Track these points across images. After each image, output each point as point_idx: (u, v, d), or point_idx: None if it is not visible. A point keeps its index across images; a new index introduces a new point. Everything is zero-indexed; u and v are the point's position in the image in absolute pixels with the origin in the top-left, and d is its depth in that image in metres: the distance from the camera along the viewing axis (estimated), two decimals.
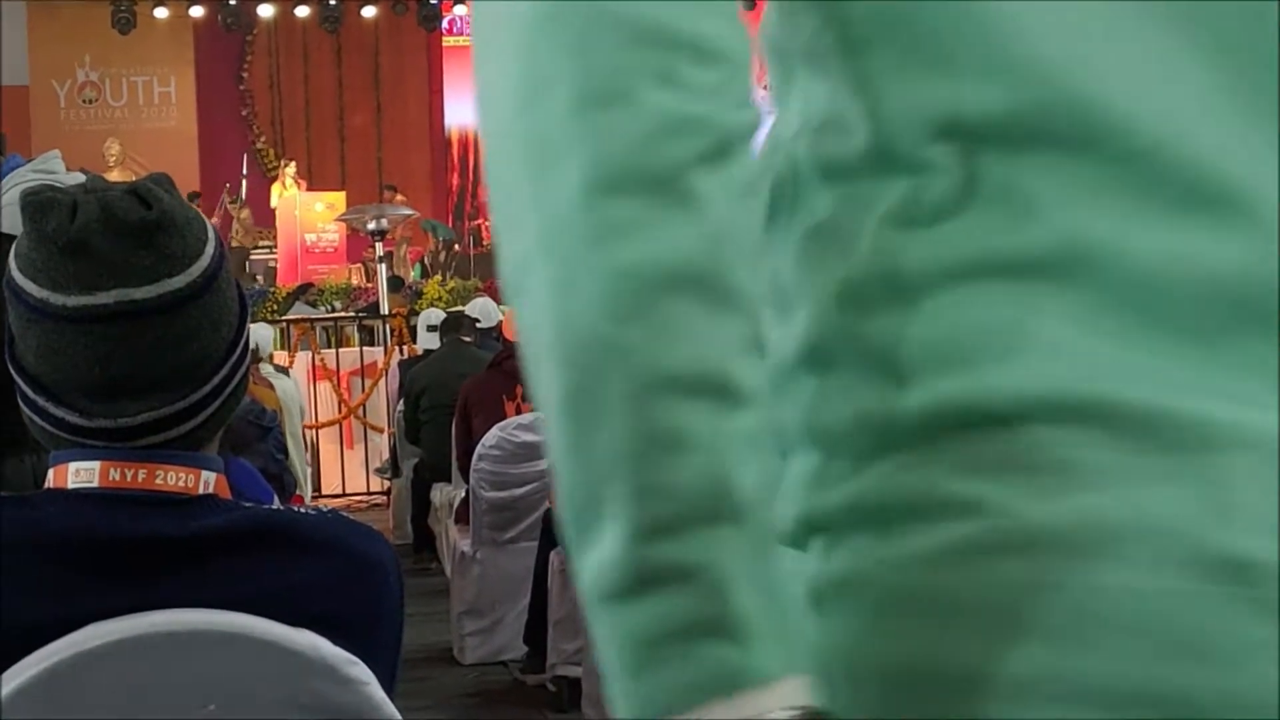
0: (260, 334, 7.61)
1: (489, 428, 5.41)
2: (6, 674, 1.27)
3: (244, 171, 15.10)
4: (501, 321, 7.80)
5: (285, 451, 5.53)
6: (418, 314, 10.03)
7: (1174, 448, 0.65)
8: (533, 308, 0.66)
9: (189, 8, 15.57)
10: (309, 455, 9.21)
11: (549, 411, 0.66)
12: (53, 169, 2.63)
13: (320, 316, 11.36)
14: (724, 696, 0.61)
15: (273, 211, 14.52)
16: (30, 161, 2.67)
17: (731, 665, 0.61)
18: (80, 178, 1.57)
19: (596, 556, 0.64)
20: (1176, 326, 0.65)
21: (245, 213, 14.81)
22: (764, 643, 0.62)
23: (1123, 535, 0.64)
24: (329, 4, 15.96)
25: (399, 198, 13.99)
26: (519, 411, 5.52)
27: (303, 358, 10.33)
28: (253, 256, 14.64)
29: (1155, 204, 0.66)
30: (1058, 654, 0.63)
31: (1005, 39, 0.67)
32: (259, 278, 13.79)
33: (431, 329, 8.39)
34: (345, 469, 10.05)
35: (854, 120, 0.70)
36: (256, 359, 7.14)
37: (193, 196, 14.35)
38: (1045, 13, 0.67)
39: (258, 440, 5.07)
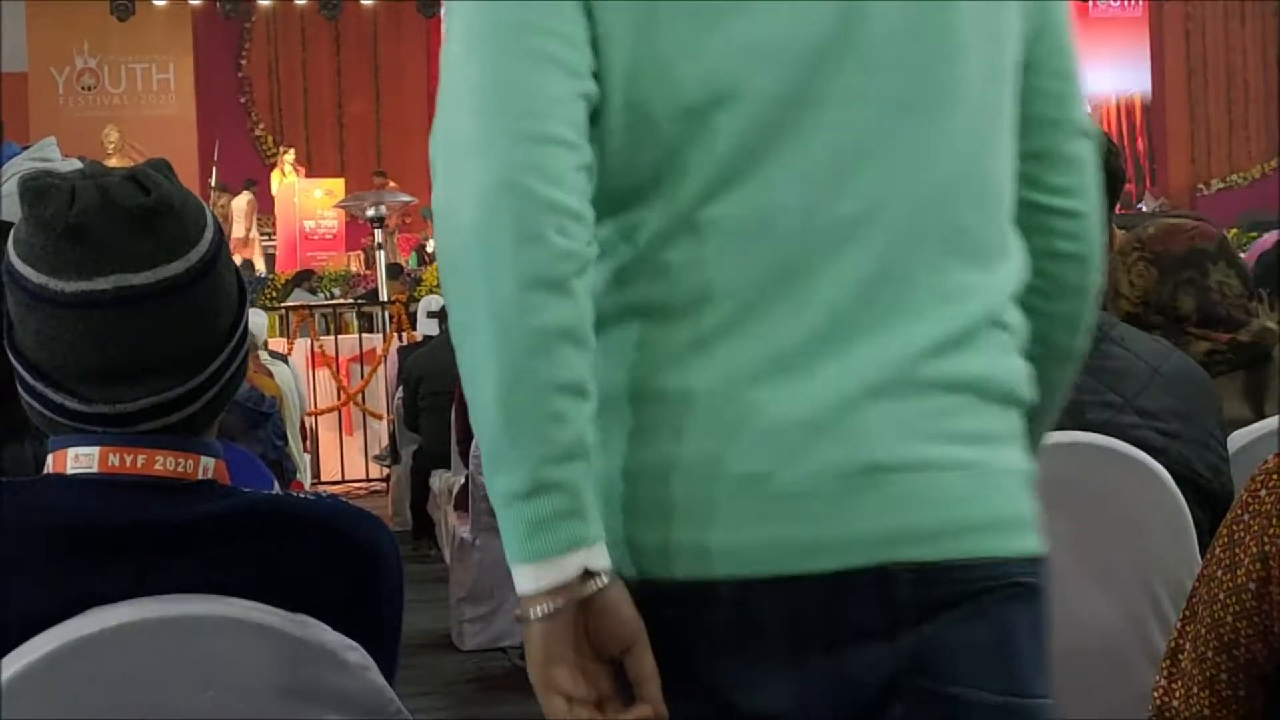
0: (253, 321, 7.59)
1: None
2: (7, 659, 1.28)
3: (214, 159, 14.95)
4: None
5: (284, 438, 5.53)
6: (417, 301, 10.03)
7: (710, 417, 1.21)
8: (477, 347, 1.17)
9: None
10: (308, 443, 9.21)
11: (484, 399, 1.17)
12: (48, 156, 2.62)
13: (319, 303, 11.35)
14: (576, 549, 1.15)
15: (272, 198, 14.50)
16: (26, 149, 2.67)
17: (580, 533, 1.15)
18: (76, 164, 1.57)
19: (507, 477, 1.16)
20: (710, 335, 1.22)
21: (225, 198, 14.71)
22: (593, 523, 1.17)
23: (690, 460, 1.21)
24: None
25: (391, 184, 13.96)
26: None
27: (302, 345, 10.33)
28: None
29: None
30: (692, 531, 1.21)
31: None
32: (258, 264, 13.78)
33: (431, 315, 8.40)
34: (344, 456, 10.06)
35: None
36: (255, 347, 7.13)
37: (221, 188, 14.29)
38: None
39: (257, 427, 5.07)
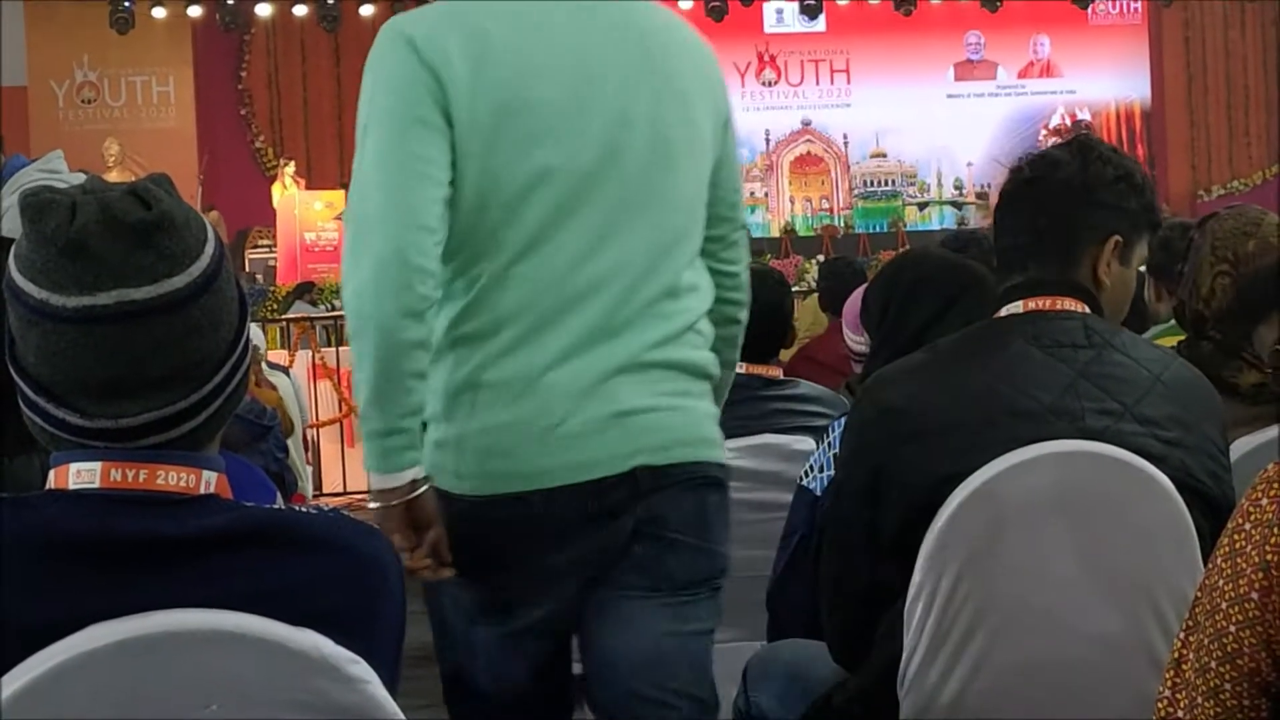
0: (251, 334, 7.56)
1: None
2: (9, 675, 1.28)
3: (200, 177, 14.82)
4: None
5: (286, 450, 5.53)
6: None
7: (521, 394, 2.04)
8: (366, 344, 1.99)
9: (187, 7, 15.51)
10: (310, 455, 9.19)
11: (365, 376, 2.01)
12: (56, 168, 2.63)
13: (320, 315, 11.35)
14: (409, 468, 2.02)
15: (273, 210, 14.48)
16: (34, 161, 2.68)
17: (413, 458, 2.02)
18: (83, 178, 1.57)
19: (375, 423, 2.00)
20: (546, 338, 2.06)
21: (215, 215, 14.54)
22: (420, 452, 2.04)
23: (509, 425, 2.04)
24: (327, 3, 15.89)
25: None
26: None
27: (303, 356, 10.32)
28: (252, 255, 14.60)
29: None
30: (515, 463, 2.05)
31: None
32: (259, 276, 13.76)
33: None
34: (346, 467, 10.05)
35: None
36: (257, 359, 7.13)
37: (209, 208, 14.20)
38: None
39: (258, 439, 5.08)
